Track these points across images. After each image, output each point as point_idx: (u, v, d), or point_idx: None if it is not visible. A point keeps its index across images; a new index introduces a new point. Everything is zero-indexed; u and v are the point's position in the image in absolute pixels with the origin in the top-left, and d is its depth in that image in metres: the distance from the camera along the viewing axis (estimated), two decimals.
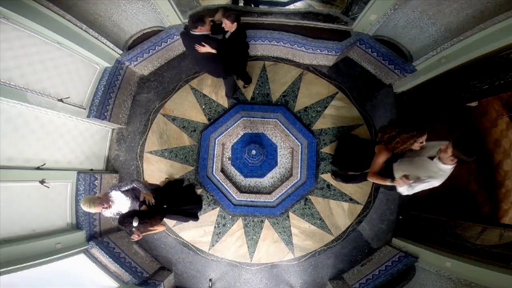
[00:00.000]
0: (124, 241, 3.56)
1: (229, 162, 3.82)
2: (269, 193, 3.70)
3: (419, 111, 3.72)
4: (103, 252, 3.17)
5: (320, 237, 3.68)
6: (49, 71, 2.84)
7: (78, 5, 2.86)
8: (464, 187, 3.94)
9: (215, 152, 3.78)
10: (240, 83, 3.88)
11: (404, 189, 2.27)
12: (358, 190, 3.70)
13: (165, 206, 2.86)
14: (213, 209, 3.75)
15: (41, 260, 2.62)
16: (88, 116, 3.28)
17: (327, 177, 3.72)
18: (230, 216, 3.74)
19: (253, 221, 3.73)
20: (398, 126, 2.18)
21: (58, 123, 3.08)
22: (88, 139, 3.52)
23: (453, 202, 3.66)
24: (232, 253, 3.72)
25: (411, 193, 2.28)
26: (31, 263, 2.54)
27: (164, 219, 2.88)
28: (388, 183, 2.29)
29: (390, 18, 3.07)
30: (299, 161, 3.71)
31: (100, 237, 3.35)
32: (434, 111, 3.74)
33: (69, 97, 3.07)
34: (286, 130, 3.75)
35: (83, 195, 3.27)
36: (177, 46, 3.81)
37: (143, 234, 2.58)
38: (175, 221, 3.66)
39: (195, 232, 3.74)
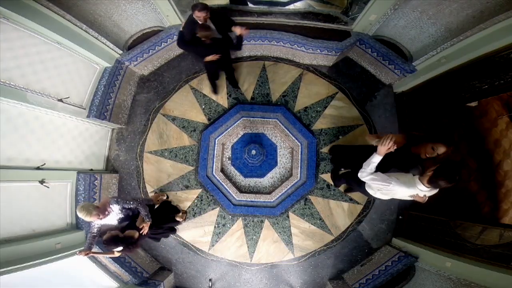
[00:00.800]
0: None
1: (229, 162, 3.82)
2: (269, 193, 3.70)
3: (419, 111, 3.73)
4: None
5: (320, 237, 3.68)
6: (49, 71, 2.84)
7: (78, 5, 2.87)
8: (464, 187, 3.95)
9: (215, 152, 3.78)
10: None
11: (365, 173, 2.17)
12: None
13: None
14: (213, 209, 3.75)
15: (41, 260, 2.63)
16: (88, 116, 3.28)
17: (327, 177, 3.72)
18: (230, 216, 3.74)
19: (253, 221, 3.73)
20: (428, 135, 2.21)
21: (58, 123, 3.08)
22: (88, 139, 3.52)
23: (453, 202, 3.66)
24: (232, 253, 3.72)
25: (368, 181, 2.19)
26: (31, 263, 2.54)
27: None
28: (374, 143, 2.34)
29: (390, 18, 3.07)
30: (299, 161, 3.71)
31: (100, 237, 3.34)
32: (434, 111, 3.74)
33: (69, 97, 3.07)
34: (286, 130, 3.75)
35: (83, 195, 3.28)
36: (177, 46, 3.79)
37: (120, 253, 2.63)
38: None
39: (195, 232, 3.74)
